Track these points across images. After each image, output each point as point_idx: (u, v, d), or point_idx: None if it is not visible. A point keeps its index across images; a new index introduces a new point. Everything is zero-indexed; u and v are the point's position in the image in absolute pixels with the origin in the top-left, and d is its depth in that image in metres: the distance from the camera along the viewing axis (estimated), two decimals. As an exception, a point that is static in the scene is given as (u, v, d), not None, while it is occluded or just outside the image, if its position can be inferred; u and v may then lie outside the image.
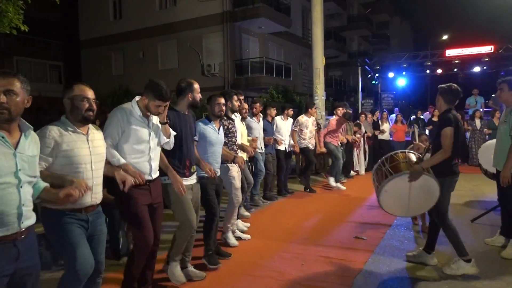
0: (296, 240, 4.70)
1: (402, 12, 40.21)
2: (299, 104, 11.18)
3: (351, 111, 9.22)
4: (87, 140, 2.50)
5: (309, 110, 7.62)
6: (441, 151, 3.46)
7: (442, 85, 3.73)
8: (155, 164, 3.04)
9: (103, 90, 15.67)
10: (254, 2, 17.25)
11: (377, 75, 17.44)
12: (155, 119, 3.05)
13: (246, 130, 5.69)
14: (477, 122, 10.79)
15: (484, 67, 15.51)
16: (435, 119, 11.20)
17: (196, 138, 3.65)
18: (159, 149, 3.12)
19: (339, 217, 5.81)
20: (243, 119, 5.59)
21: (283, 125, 7.18)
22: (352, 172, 9.62)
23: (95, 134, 2.60)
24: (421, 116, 11.96)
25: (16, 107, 1.96)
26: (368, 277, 3.59)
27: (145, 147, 2.95)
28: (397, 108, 15.79)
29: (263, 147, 6.39)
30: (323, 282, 3.50)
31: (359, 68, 17.21)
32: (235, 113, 4.75)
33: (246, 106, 5.90)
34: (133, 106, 2.94)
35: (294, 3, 20.45)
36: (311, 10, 10.84)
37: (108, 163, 2.70)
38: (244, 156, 5.44)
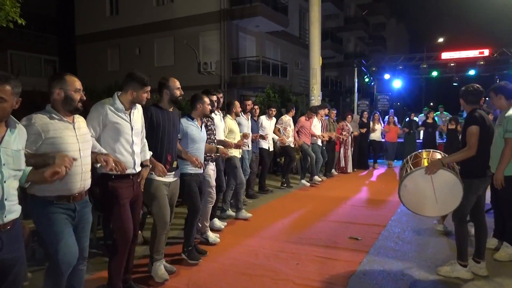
0: (291, 239, 4.70)
1: (398, 14, 40.48)
2: (295, 104, 11.24)
3: (335, 111, 9.79)
4: (74, 128, 2.52)
5: (291, 110, 8.07)
6: (465, 148, 3.43)
7: (463, 88, 3.75)
8: (138, 158, 3.09)
9: (99, 86, 15.56)
10: (251, 1, 17.19)
11: (372, 76, 17.49)
12: (136, 114, 3.09)
13: (238, 128, 5.83)
14: None
15: (479, 71, 15.61)
16: (429, 121, 11.29)
17: (179, 136, 3.74)
18: (140, 142, 3.15)
19: (332, 217, 5.83)
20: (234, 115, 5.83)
21: (268, 124, 7.40)
22: (334, 171, 9.73)
23: (80, 122, 2.62)
24: (415, 118, 12.05)
25: (3, 112, 2.01)
26: (363, 277, 3.61)
27: (128, 141, 2.98)
28: (392, 110, 15.84)
29: (250, 145, 6.50)
30: (318, 281, 3.51)
31: (355, 69, 17.21)
32: (215, 112, 4.90)
33: (249, 108, 6.46)
34: (115, 101, 2.96)
35: (291, 3, 20.45)
36: (309, 10, 10.86)
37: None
38: (237, 153, 5.61)
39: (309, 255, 4.17)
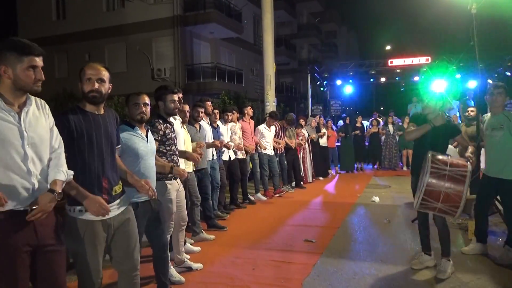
0: (247, 245, 4.72)
1: (349, 23, 42.13)
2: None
3: (293, 117, 8.98)
4: None
5: (232, 113, 6.82)
6: None
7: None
8: (39, 181, 1.99)
9: (46, 93, 14.70)
10: (205, 7, 17.20)
11: (325, 82, 18.01)
12: (33, 112, 2.04)
13: (190, 136, 4.69)
14: (390, 128, 11.62)
15: (423, 76, 16.59)
16: (358, 125, 11.79)
17: (118, 147, 2.69)
18: (46, 157, 2.05)
19: (289, 221, 5.91)
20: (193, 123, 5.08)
21: (225, 130, 6.44)
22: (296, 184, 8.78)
23: None
24: (347, 122, 11.92)
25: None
26: (317, 278, 3.69)
27: (16, 154, 1.90)
28: (344, 115, 16.39)
29: (215, 154, 5.79)
30: (273, 285, 3.54)
31: (309, 75, 17.64)
32: (174, 116, 3.91)
33: (210, 109, 5.83)
34: None
35: (245, 10, 20.65)
36: (262, 17, 11.01)
37: None
38: (190, 167, 4.56)
39: (265, 259, 4.20)
